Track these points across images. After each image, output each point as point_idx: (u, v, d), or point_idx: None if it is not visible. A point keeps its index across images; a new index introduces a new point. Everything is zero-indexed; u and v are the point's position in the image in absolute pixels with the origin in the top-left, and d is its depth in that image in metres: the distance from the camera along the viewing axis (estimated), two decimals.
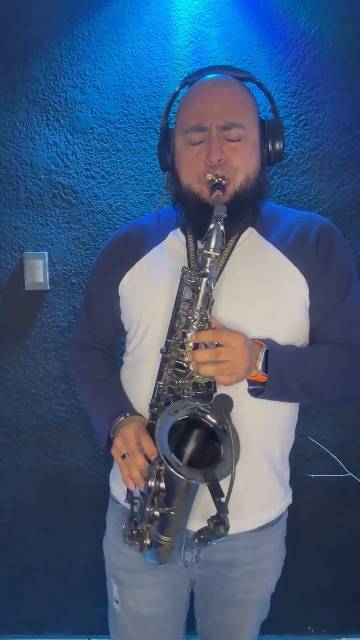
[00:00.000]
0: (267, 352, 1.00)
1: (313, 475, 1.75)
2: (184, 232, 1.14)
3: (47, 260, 1.67)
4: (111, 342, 1.30)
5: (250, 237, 1.11)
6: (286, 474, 1.19)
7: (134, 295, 1.14)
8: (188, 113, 1.07)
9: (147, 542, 1.03)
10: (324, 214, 1.65)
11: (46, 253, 1.67)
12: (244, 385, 1.03)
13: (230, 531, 0.88)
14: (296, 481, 1.75)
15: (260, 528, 1.13)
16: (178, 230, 1.16)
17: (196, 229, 1.09)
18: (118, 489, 1.19)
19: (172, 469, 0.89)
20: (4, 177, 1.65)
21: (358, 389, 1.16)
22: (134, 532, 1.04)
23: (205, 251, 0.94)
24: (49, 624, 1.86)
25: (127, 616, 1.19)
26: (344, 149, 1.64)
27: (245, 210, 1.09)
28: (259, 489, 1.11)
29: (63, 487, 1.78)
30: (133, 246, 1.17)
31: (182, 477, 0.89)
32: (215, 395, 0.98)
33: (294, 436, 1.19)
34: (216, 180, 1.01)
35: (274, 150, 1.11)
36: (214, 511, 0.87)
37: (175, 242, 1.15)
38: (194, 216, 1.09)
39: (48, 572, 1.83)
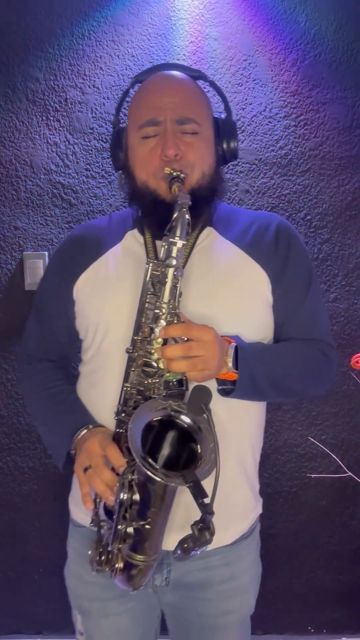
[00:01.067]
0: (236, 349, 0.96)
1: (313, 475, 1.75)
2: (141, 232, 1.09)
3: (47, 260, 1.67)
4: (65, 353, 1.20)
5: (209, 236, 1.09)
6: (257, 483, 1.14)
7: (91, 298, 1.08)
8: (142, 108, 1.04)
9: (120, 565, 0.90)
10: (323, 214, 1.67)
11: (46, 253, 1.67)
12: (214, 386, 0.98)
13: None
14: (296, 481, 1.77)
15: (235, 542, 1.07)
16: (135, 231, 1.11)
17: (154, 228, 1.05)
18: (80, 512, 1.10)
19: (148, 472, 0.80)
20: (4, 177, 1.65)
21: (326, 383, 1.15)
22: (102, 558, 0.92)
23: (170, 239, 0.90)
24: (49, 624, 1.86)
25: None
26: (344, 149, 1.64)
27: (201, 208, 1.05)
28: (232, 498, 1.04)
29: (63, 487, 1.77)
30: (88, 248, 1.11)
31: (159, 480, 0.80)
32: (187, 392, 0.92)
33: (262, 443, 1.15)
34: (174, 174, 0.98)
35: (229, 149, 1.09)
36: (191, 522, 0.79)
37: (132, 243, 1.10)
38: (151, 214, 1.05)
39: (48, 572, 1.82)
